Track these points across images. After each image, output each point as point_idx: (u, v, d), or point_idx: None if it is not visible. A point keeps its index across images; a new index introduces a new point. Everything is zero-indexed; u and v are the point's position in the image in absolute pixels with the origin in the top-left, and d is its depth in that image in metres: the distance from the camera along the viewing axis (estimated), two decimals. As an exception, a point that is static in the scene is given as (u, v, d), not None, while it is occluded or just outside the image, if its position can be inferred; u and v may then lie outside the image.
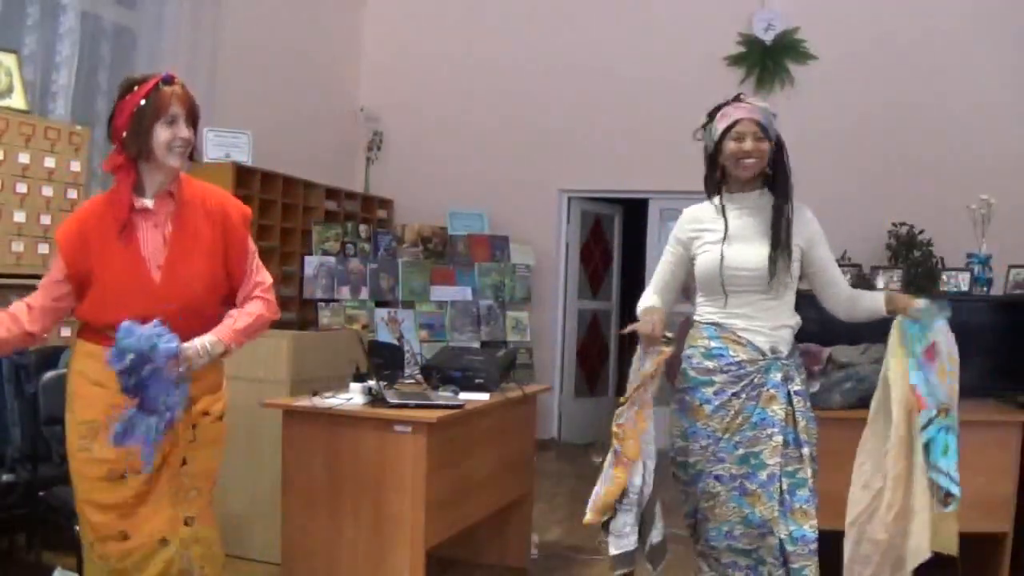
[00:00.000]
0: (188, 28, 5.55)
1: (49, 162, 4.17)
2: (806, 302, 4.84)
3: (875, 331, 4.66)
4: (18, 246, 4.04)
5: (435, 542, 3.27)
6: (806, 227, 2.80)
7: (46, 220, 4.16)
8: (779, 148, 2.79)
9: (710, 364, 2.70)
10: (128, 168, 2.37)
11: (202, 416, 2.49)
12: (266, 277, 2.58)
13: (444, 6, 7.60)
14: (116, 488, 2.35)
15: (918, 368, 2.69)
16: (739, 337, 2.69)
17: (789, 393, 2.68)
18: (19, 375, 3.61)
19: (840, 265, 5.61)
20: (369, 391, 3.37)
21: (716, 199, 2.81)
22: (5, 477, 3.45)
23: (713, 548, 2.73)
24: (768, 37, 6.76)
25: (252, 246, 2.58)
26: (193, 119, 2.41)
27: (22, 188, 4.05)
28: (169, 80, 2.39)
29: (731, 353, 2.68)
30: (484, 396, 3.63)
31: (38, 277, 4.12)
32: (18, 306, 2.43)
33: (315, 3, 7.16)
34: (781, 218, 2.72)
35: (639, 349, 2.64)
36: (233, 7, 5.93)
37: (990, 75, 6.32)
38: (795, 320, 2.77)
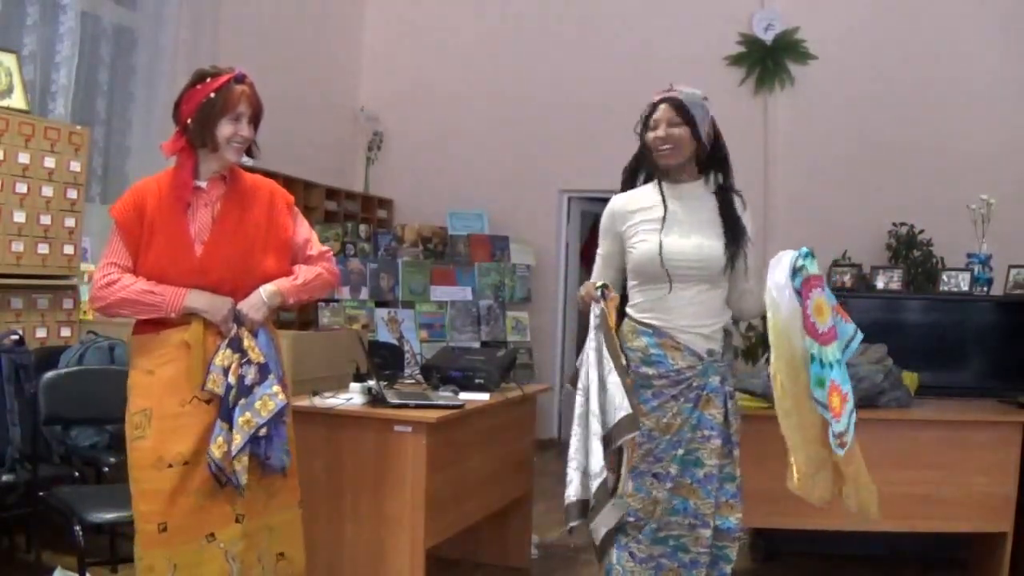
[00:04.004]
0: (188, 28, 5.56)
1: (49, 162, 4.17)
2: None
3: (875, 331, 4.67)
4: (18, 246, 4.04)
5: (435, 542, 3.27)
6: (745, 219, 2.78)
7: (46, 220, 4.16)
8: (716, 136, 2.77)
9: (649, 371, 2.65)
10: (189, 152, 2.47)
11: None
12: (325, 249, 2.73)
13: (444, 7, 7.60)
14: (161, 476, 2.38)
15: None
16: (678, 342, 2.64)
17: (726, 395, 2.67)
18: (19, 375, 3.61)
19: (840, 265, 5.67)
20: (369, 391, 3.37)
21: (650, 187, 2.77)
22: (5, 477, 3.45)
23: (638, 543, 2.69)
24: (768, 37, 6.77)
25: (304, 229, 2.70)
26: (256, 120, 2.52)
27: (22, 188, 4.05)
28: (241, 79, 2.49)
29: (670, 360, 2.65)
30: (484, 396, 3.63)
31: (38, 277, 4.17)
32: (129, 277, 2.44)
33: (315, 3, 7.16)
34: (731, 208, 2.71)
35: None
36: (233, 7, 5.93)
37: (991, 75, 6.32)
38: (728, 314, 2.74)
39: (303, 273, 2.61)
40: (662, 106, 2.70)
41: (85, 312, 4.40)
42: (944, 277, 4.98)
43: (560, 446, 7.22)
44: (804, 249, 2.48)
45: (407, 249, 6.88)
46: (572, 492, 2.46)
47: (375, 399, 3.32)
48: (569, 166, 7.17)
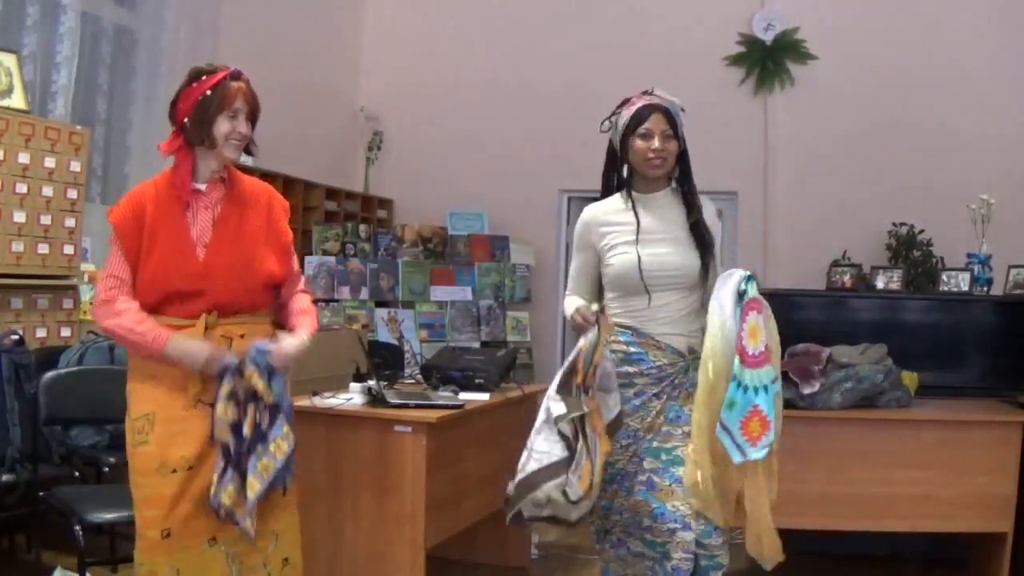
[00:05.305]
0: (188, 28, 5.55)
1: (49, 162, 4.16)
2: (806, 302, 4.86)
3: (875, 331, 4.68)
4: (18, 246, 4.04)
5: (435, 542, 3.27)
6: (713, 223, 2.76)
7: (46, 220, 4.16)
8: (683, 144, 2.75)
9: (630, 368, 2.66)
10: (186, 151, 2.46)
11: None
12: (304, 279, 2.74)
13: (444, 6, 7.60)
14: (165, 481, 2.37)
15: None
16: (658, 342, 2.65)
17: None
18: (19, 375, 3.61)
19: (840, 265, 5.66)
20: (369, 391, 3.37)
21: (619, 196, 2.77)
22: (5, 477, 3.45)
23: (623, 544, 2.68)
24: (768, 37, 6.76)
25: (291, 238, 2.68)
26: (253, 117, 2.50)
27: (22, 188, 4.05)
28: (237, 75, 2.47)
29: (651, 358, 2.65)
30: (484, 396, 3.63)
31: (38, 277, 4.17)
32: (130, 304, 2.43)
33: (315, 3, 7.16)
34: (699, 221, 2.69)
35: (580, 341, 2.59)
36: (233, 7, 5.93)
37: (992, 76, 6.31)
38: (705, 316, 2.69)
39: (312, 313, 2.63)
40: (655, 116, 2.67)
41: (85, 312, 4.40)
42: (944, 277, 4.99)
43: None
44: (747, 273, 2.51)
45: (407, 249, 6.88)
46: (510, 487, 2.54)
47: (375, 399, 3.33)
48: (569, 166, 7.15)
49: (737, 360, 2.44)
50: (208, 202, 2.49)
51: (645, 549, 2.64)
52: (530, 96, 7.25)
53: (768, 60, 6.75)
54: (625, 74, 7.00)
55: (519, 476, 2.49)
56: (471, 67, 7.42)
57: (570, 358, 2.55)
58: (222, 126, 2.42)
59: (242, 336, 2.48)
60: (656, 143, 2.65)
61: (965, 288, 4.86)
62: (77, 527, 2.89)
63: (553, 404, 2.51)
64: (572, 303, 2.73)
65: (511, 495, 2.50)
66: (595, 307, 2.60)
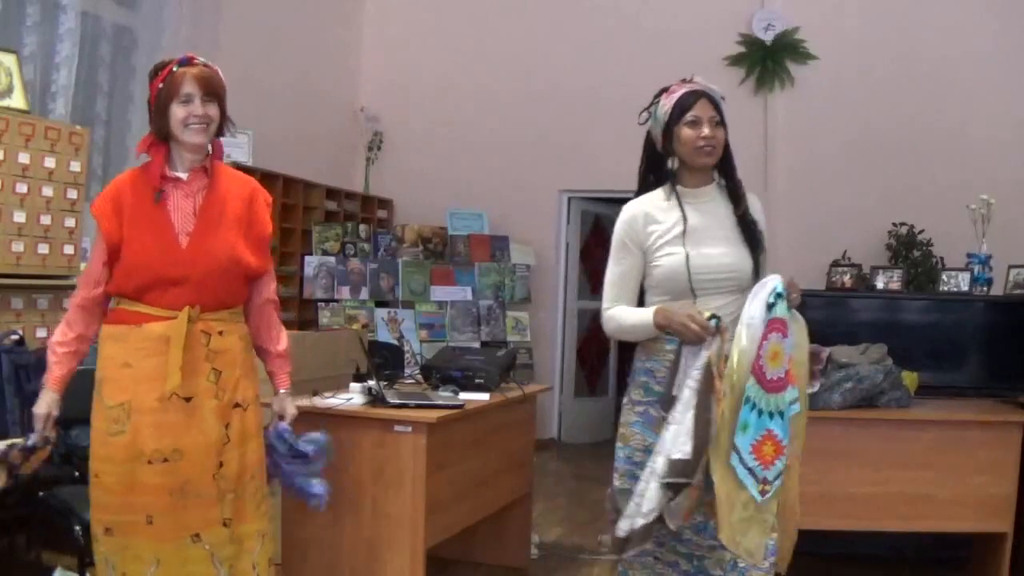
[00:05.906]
0: (188, 28, 5.55)
1: (49, 162, 4.16)
2: (806, 302, 4.87)
3: (875, 331, 4.68)
4: (18, 246, 4.04)
5: (435, 542, 3.27)
6: (761, 218, 2.58)
7: (46, 220, 4.16)
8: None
9: None
10: (158, 145, 2.49)
11: (232, 409, 2.49)
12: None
13: (444, 7, 7.60)
14: (141, 470, 2.36)
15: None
16: None
17: None
18: (19, 375, 3.60)
19: (840, 265, 5.65)
20: (369, 391, 3.37)
21: (661, 192, 2.55)
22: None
23: (650, 553, 2.48)
24: (768, 37, 6.77)
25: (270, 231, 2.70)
26: (214, 96, 2.48)
27: (22, 188, 4.04)
28: (185, 62, 2.47)
29: None
30: (484, 396, 3.63)
31: (38, 277, 4.17)
32: (62, 332, 2.54)
33: (315, 3, 7.16)
34: (748, 218, 2.52)
35: (679, 354, 2.33)
36: (233, 7, 5.93)
37: (992, 75, 6.32)
38: None
39: (288, 356, 2.71)
40: (702, 101, 2.47)
41: (85, 312, 4.40)
42: (944, 277, 4.99)
43: (559, 446, 7.22)
44: (779, 288, 2.28)
45: (407, 249, 6.89)
46: (623, 527, 2.30)
47: (375, 399, 3.32)
48: (569, 166, 7.17)
49: (753, 381, 2.26)
50: (190, 191, 2.48)
51: (680, 560, 2.48)
52: (530, 96, 7.26)
53: (768, 60, 6.76)
54: (625, 74, 7.01)
55: (630, 525, 2.28)
56: (471, 67, 7.43)
57: (697, 374, 2.28)
58: (177, 113, 2.42)
59: (220, 333, 2.47)
60: (706, 130, 2.45)
61: (965, 288, 4.86)
62: (77, 527, 2.89)
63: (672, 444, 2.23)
64: (634, 313, 2.48)
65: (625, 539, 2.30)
66: (707, 313, 2.32)
